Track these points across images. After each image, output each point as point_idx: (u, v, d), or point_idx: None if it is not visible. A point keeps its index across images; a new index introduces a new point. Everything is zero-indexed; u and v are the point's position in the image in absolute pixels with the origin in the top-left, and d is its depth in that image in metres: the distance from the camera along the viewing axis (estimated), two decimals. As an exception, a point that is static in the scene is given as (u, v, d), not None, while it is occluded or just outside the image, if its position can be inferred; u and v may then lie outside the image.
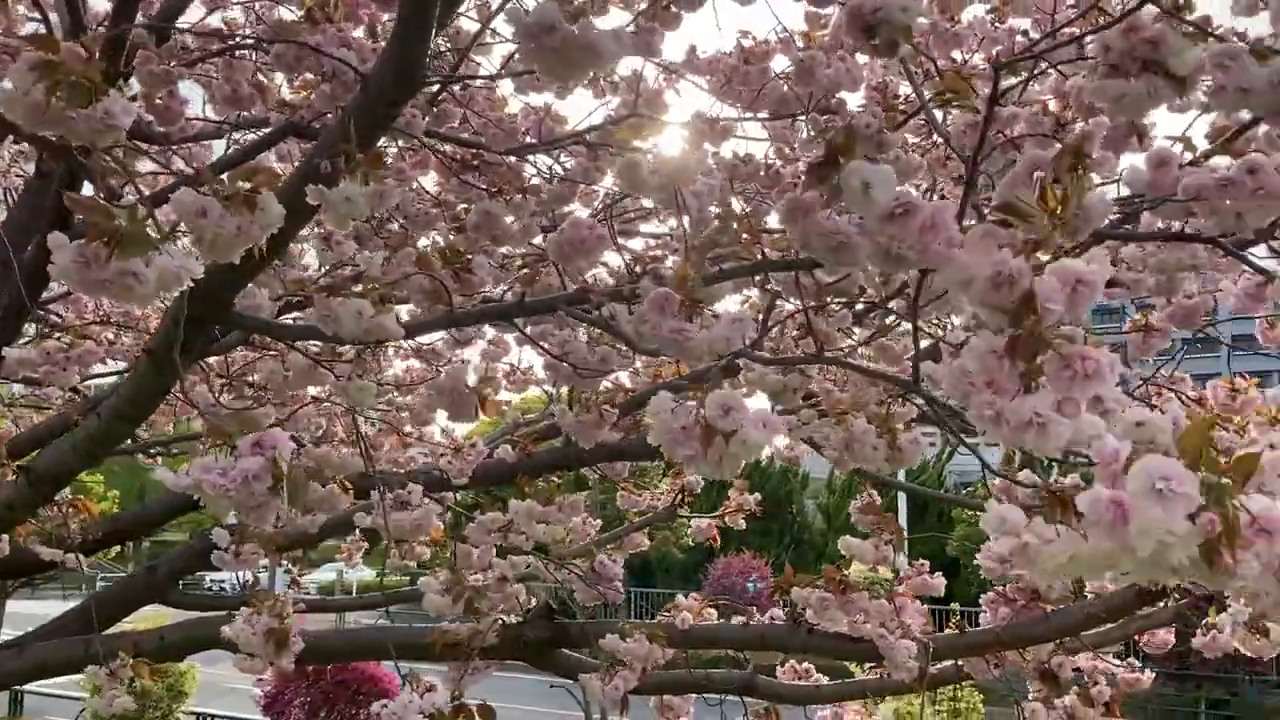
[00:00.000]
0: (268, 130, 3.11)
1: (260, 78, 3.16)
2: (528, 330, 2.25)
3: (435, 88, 2.91)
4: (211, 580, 27.66)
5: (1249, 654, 2.83)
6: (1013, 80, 2.22)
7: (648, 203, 3.72)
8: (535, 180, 3.33)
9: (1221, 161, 1.62)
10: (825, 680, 3.32)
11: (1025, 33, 2.82)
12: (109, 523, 3.58)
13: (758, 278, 2.05)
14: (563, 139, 3.39)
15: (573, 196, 3.20)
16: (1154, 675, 3.45)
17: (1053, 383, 0.88)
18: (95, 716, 9.98)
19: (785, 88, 3.12)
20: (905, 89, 3.05)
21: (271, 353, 2.61)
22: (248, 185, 1.47)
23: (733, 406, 1.09)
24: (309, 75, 2.72)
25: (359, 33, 2.93)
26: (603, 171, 3.36)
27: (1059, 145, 2.05)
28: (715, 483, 5.45)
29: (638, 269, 1.91)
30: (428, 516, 2.38)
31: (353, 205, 1.50)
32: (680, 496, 4.90)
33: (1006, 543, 0.89)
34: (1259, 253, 2.23)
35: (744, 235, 1.94)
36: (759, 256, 1.74)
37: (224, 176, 1.42)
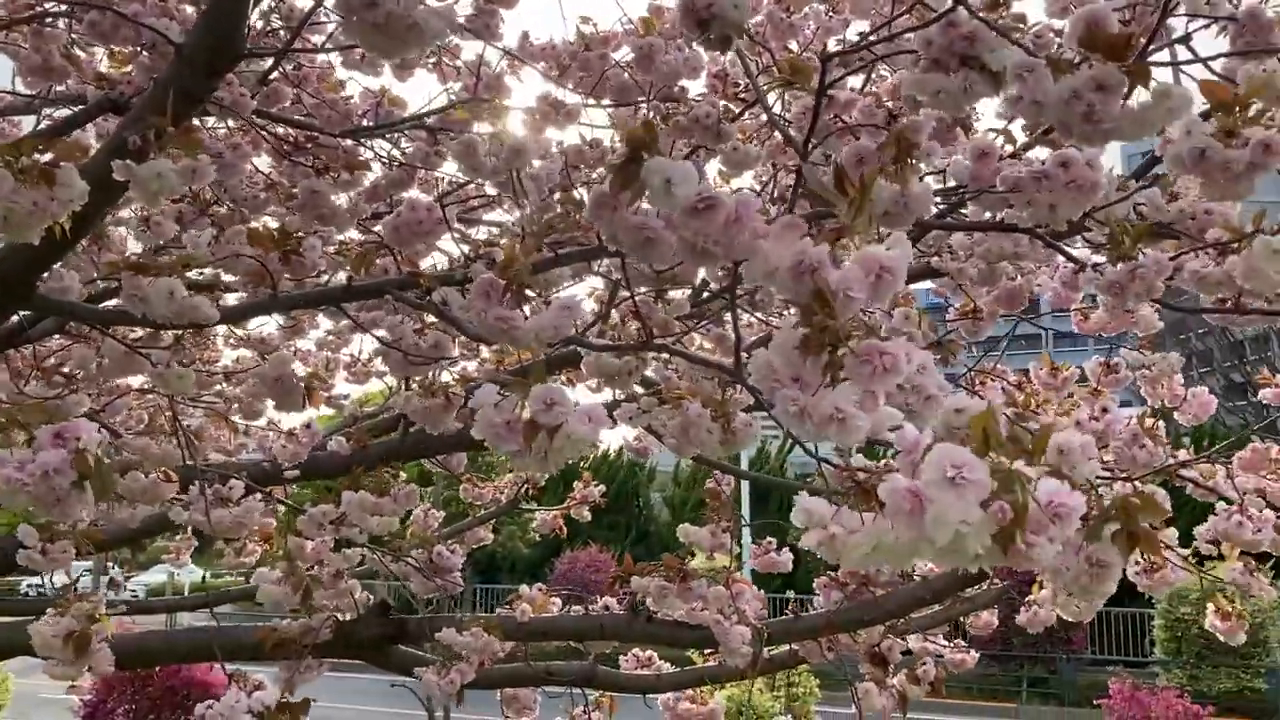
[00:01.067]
0: (83, 106, 2.94)
1: (76, 50, 2.98)
2: (359, 317, 2.18)
3: (266, 65, 2.80)
4: (29, 585, 26.33)
5: (1070, 619, 3.00)
6: (842, 71, 2.27)
7: (491, 189, 3.68)
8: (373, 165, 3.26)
9: (1041, 154, 1.70)
10: (668, 668, 3.34)
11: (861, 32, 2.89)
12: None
13: (601, 264, 2.04)
14: (400, 122, 3.31)
15: (411, 182, 3.13)
16: (978, 655, 3.61)
17: (853, 377, 0.88)
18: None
19: (626, 75, 3.14)
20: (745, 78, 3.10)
21: (84, 341, 2.45)
22: (45, 159, 1.38)
23: (556, 401, 1.07)
24: (128, 48, 2.57)
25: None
26: (443, 157, 3.29)
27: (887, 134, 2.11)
28: (561, 475, 5.43)
29: (473, 254, 1.88)
30: (250, 513, 2.28)
31: (163, 182, 1.41)
32: (524, 490, 4.87)
33: (815, 534, 0.90)
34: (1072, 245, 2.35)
35: (582, 221, 1.93)
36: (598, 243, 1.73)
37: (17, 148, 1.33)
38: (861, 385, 0.88)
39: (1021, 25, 1.41)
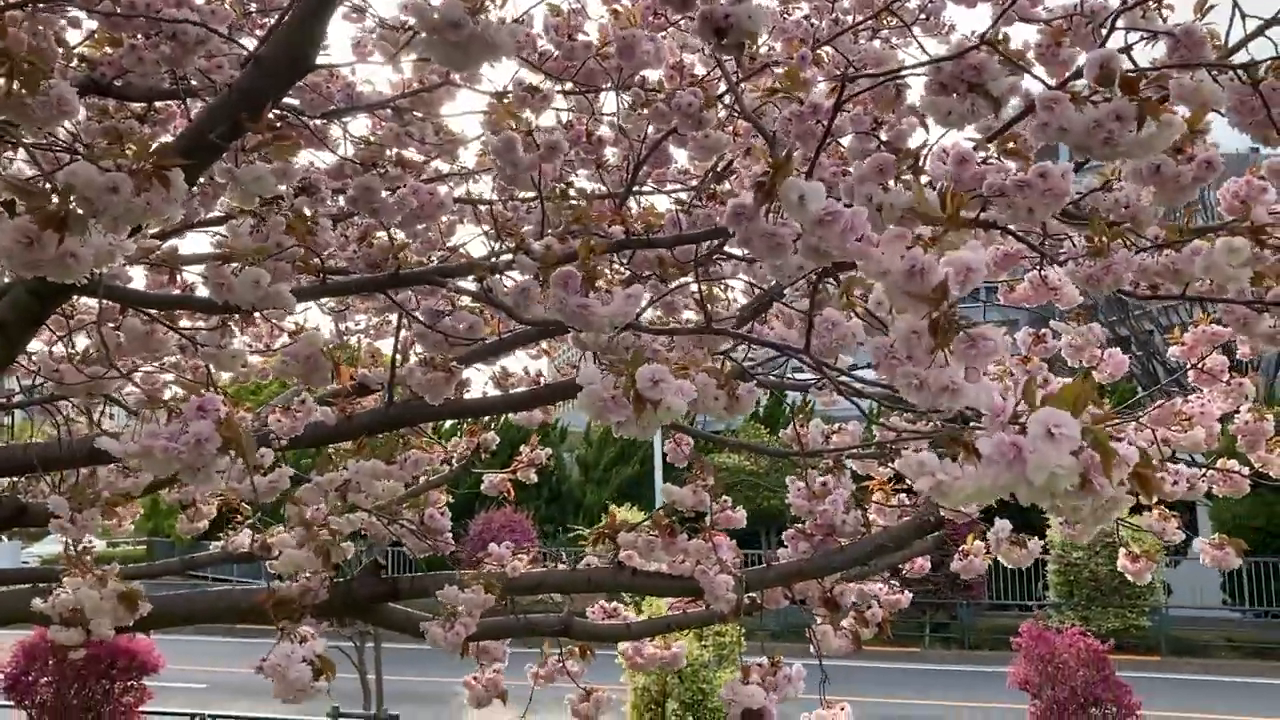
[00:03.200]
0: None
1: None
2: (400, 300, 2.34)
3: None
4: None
5: (1009, 565, 3.34)
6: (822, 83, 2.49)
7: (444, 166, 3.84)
8: (345, 144, 3.39)
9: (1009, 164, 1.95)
10: (634, 617, 3.59)
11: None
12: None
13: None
14: (373, 105, 3.44)
15: (379, 162, 3.26)
16: (910, 596, 3.92)
17: (961, 356, 1.12)
18: None
19: (594, 63, 3.32)
20: (700, 69, 3.31)
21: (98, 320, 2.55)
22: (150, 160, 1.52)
23: (660, 378, 1.29)
24: (136, 36, 2.65)
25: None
26: (412, 137, 3.44)
27: (877, 140, 2.34)
28: (504, 438, 5.60)
29: (510, 244, 2.04)
30: (282, 478, 2.43)
31: (262, 183, 1.57)
32: (476, 452, 5.04)
33: (924, 480, 1.13)
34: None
35: (596, 213, 2.12)
36: (623, 234, 1.92)
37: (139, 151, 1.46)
38: (967, 363, 1.12)
39: (1019, 63, 1.64)
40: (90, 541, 4.19)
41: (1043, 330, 3.39)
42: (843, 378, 1.84)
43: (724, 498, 3.56)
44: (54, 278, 1.35)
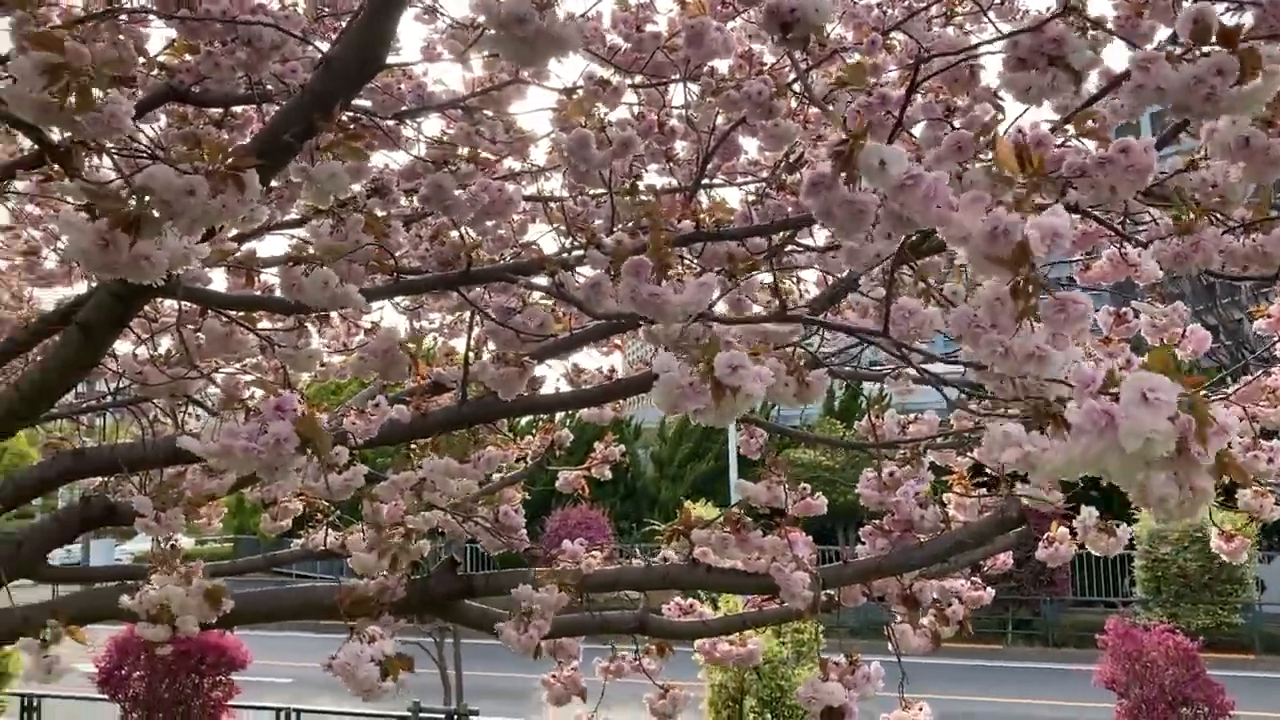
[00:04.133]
0: (146, 94, 3.07)
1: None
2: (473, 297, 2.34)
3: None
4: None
5: (1097, 553, 3.25)
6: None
7: (515, 164, 3.85)
8: (417, 144, 3.42)
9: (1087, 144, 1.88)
10: (710, 614, 3.56)
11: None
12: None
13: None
14: (445, 104, 3.47)
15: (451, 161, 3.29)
16: (993, 593, 3.83)
17: (1048, 321, 1.09)
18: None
19: (662, 54, 3.30)
20: (769, 58, 3.27)
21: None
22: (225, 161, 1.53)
23: (739, 365, 1.26)
24: (214, 42, 2.70)
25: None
26: (483, 136, 3.46)
27: (951, 125, 2.29)
28: (580, 436, 5.59)
29: (586, 241, 2.03)
30: (357, 476, 2.46)
31: (337, 180, 1.57)
32: (551, 449, 5.05)
33: (1012, 453, 1.09)
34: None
35: (666, 207, 2.10)
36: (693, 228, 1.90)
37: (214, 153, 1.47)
38: (1054, 329, 1.08)
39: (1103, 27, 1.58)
40: (177, 540, 4.29)
41: (1123, 309, 3.29)
42: (921, 362, 1.79)
43: (803, 485, 3.52)
44: (130, 279, 1.37)
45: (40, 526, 3.94)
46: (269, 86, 2.89)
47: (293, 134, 1.67)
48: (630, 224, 2.23)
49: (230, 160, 1.52)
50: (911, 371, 1.72)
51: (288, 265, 1.75)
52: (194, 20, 2.50)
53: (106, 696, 9.46)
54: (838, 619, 3.75)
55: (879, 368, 3.58)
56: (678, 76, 3.42)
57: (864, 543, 3.03)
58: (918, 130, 2.54)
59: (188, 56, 2.98)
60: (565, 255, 2.10)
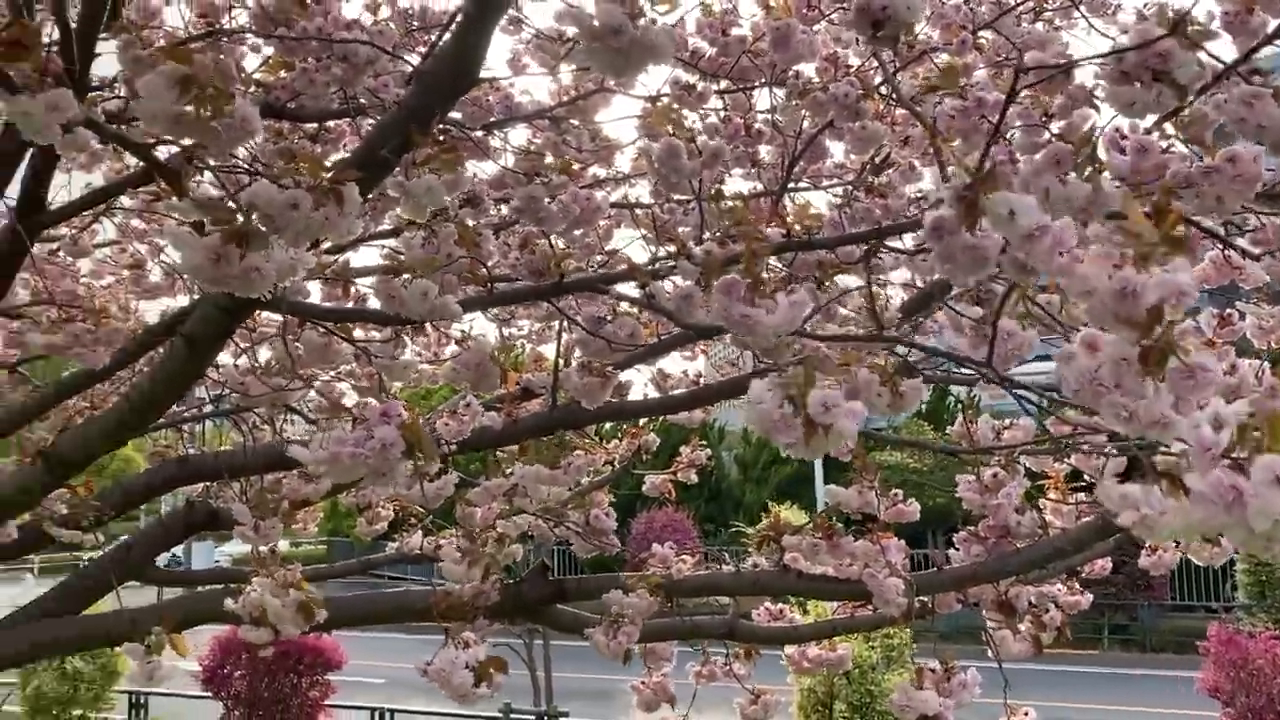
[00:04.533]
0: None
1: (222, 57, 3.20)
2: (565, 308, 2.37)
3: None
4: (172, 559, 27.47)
5: (1200, 563, 3.15)
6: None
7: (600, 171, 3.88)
8: (504, 154, 3.46)
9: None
10: (800, 619, 3.54)
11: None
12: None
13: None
14: (532, 114, 3.50)
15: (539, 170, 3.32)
16: (1091, 598, 3.74)
17: (1174, 387, 1.06)
18: (25, 698, 9.78)
19: (746, 59, 3.30)
20: (854, 60, 3.25)
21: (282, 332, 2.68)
22: (326, 177, 1.57)
23: (832, 404, 1.26)
24: (307, 60, 2.77)
25: (351, 10, 3.00)
26: (569, 145, 3.48)
27: (1048, 132, 2.25)
28: (665, 438, 5.62)
29: (669, 248, 2.04)
30: (448, 483, 2.50)
31: (433, 194, 1.61)
32: (638, 453, 5.07)
33: (1129, 515, 1.07)
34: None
35: (751, 215, 2.10)
36: (782, 235, 1.89)
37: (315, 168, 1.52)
38: (1181, 394, 1.06)
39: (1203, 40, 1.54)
40: (274, 544, 4.40)
41: (1228, 311, 3.19)
42: (1019, 380, 1.76)
43: (895, 491, 3.47)
44: (239, 292, 1.42)
45: (147, 531, 4.08)
46: (362, 101, 2.96)
47: (390, 149, 1.70)
48: (719, 232, 2.23)
49: (331, 176, 1.56)
50: (989, 373, 1.69)
51: (387, 278, 1.79)
52: (292, 39, 2.57)
53: (210, 694, 9.75)
54: (930, 623, 3.70)
55: (970, 373, 3.52)
56: (762, 80, 3.41)
57: (958, 548, 2.98)
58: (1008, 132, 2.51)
59: (282, 74, 3.07)
60: (655, 265, 2.12)
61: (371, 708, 10.37)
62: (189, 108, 1.36)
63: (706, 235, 2.39)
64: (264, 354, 3.86)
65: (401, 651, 15.86)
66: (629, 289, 2.13)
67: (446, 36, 3.05)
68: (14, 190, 3.51)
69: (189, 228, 1.62)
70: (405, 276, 1.77)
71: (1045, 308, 1.87)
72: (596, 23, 1.54)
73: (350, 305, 2.45)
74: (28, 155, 3.42)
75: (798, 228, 2.13)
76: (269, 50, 3.18)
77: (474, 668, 2.29)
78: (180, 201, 1.67)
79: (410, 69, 3.04)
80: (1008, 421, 3.37)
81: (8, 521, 2.90)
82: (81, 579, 3.92)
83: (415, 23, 3.40)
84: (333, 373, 3.19)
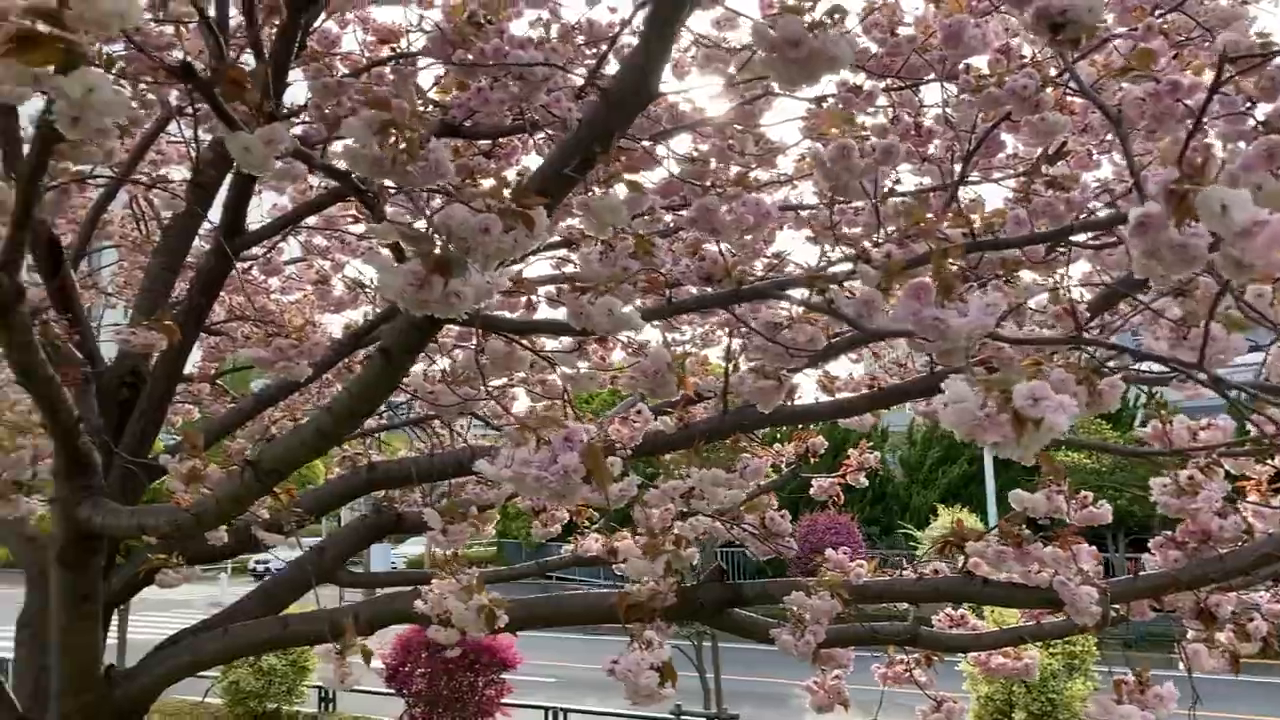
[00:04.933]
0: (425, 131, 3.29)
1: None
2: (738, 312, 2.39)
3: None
4: (256, 561, 28.78)
5: None
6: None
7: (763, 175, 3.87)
8: (668, 161, 3.49)
9: None
10: (984, 627, 3.45)
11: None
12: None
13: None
14: (700, 122, 3.53)
15: (706, 177, 3.34)
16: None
17: None
18: (225, 690, 10.37)
19: (915, 55, 3.25)
20: (1026, 50, 3.15)
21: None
22: (515, 200, 1.62)
23: (1041, 396, 1.22)
24: (482, 79, 2.87)
25: (517, 28, 3.08)
26: (734, 150, 3.50)
27: (1253, 120, 2.14)
28: (831, 441, 5.56)
29: (841, 250, 2.02)
30: (631, 486, 2.54)
31: (617, 213, 1.64)
32: (805, 456, 5.03)
33: None
34: None
35: (929, 214, 2.06)
36: (963, 234, 1.85)
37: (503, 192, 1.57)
38: None
39: None
40: (457, 548, 4.55)
41: None
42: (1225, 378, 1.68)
43: (1083, 493, 3.35)
44: (440, 314, 1.48)
45: (338, 534, 4.29)
46: (535, 117, 3.05)
47: (573, 167, 1.75)
48: (894, 231, 2.20)
49: (518, 197, 1.61)
50: (1202, 375, 1.61)
51: (574, 295, 1.84)
52: (470, 64, 2.67)
53: (393, 691, 10.16)
54: (1116, 631, 3.56)
55: (1163, 372, 3.36)
56: (932, 76, 3.35)
57: (1153, 554, 2.85)
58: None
59: (457, 93, 3.18)
60: (829, 269, 2.10)
61: (546, 707, 10.61)
62: (388, 152, 1.44)
63: (881, 234, 2.37)
64: (440, 363, 4.02)
65: (573, 652, 16.18)
66: (798, 294, 2.12)
67: (620, 50, 3.12)
68: (214, 215, 3.76)
69: (388, 251, 1.70)
70: (589, 295, 1.81)
71: (1252, 305, 1.78)
72: (775, 34, 1.55)
73: (543, 318, 2.52)
74: (226, 183, 3.66)
75: (980, 226, 2.08)
76: (438, 68, 3.32)
77: (659, 668, 2.32)
78: (381, 226, 1.75)
79: (580, 83, 3.12)
80: (1205, 421, 3.20)
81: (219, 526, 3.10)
82: (280, 581, 4.17)
83: (582, 37, 3.48)
84: (514, 381, 3.29)
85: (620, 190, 1.72)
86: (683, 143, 4.15)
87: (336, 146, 3.13)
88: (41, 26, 1.22)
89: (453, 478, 3.77)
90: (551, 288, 3.31)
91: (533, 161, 3.87)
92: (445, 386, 2.62)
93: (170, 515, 2.80)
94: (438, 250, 1.44)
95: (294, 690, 11.69)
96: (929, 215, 2.18)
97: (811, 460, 5.14)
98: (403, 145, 1.45)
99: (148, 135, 3.83)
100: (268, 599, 3.99)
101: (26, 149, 2.69)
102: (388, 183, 1.73)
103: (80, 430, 2.98)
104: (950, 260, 1.58)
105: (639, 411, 3.21)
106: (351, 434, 4.23)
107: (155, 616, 17.61)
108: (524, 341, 2.23)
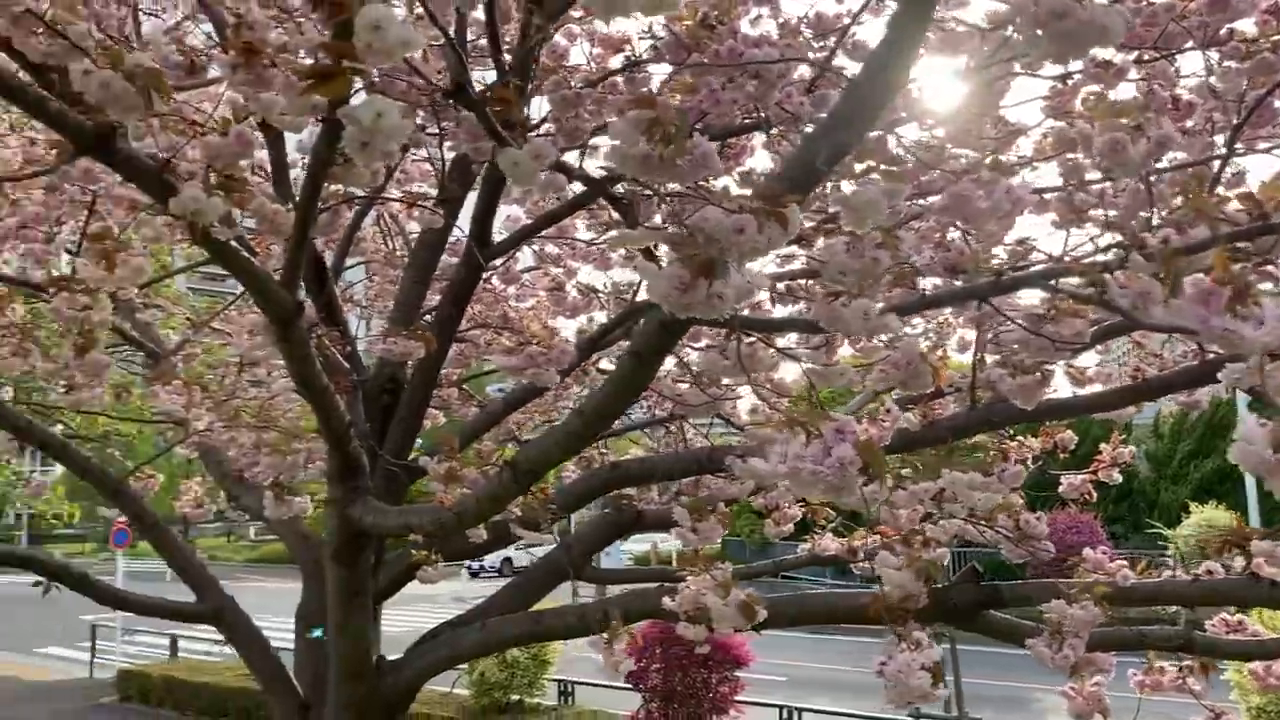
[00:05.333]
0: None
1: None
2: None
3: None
4: (471, 560, 29.99)
5: None
6: None
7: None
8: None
9: None
10: (1266, 634, 3.19)
11: None
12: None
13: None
14: (935, 110, 3.43)
15: (941, 164, 3.23)
16: None
17: None
18: (471, 682, 10.82)
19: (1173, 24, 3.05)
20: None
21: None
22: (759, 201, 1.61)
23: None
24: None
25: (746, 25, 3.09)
26: (970, 134, 3.37)
27: None
28: (1081, 434, 5.29)
29: (1129, 243, 1.91)
30: (883, 487, 2.49)
31: (875, 207, 1.62)
32: (1054, 452, 4.81)
33: None
34: None
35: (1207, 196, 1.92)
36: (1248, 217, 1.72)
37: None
38: None
39: None
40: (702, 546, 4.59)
41: None
42: None
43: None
44: (703, 316, 1.50)
45: (584, 531, 4.42)
46: (768, 114, 3.04)
47: (823, 161, 1.73)
48: (1171, 215, 2.07)
49: (767, 195, 1.61)
50: None
51: (827, 300, 1.82)
52: (707, 64, 2.69)
53: (630, 686, 10.38)
54: None
55: None
56: (1190, 44, 3.13)
57: None
58: None
59: (687, 95, 3.21)
60: (1100, 258, 1.99)
61: (780, 705, 10.58)
62: (656, 150, 1.46)
63: (1149, 217, 2.23)
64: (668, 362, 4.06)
65: (803, 651, 16.06)
66: (1053, 285, 2.02)
67: (849, 41, 3.07)
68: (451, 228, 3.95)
69: (644, 256, 1.74)
70: (843, 299, 1.79)
71: None
72: (1042, 10, 1.48)
73: (792, 316, 2.51)
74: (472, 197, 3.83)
75: (1270, 205, 1.92)
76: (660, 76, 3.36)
77: (929, 669, 2.26)
78: (635, 232, 1.79)
79: (809, 79, 3.08)
80: None
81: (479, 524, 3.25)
82: (530, 578, 4.33)
83: (809, 31, 3.44)
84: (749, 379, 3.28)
85: (875, 184, 1.68)
86: (910, 129, 4.04)
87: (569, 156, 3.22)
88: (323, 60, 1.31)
89: (690, 476, 3.81)
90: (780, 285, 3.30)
91: (759, 161, 3.84)
92: (694, 388, 2.65)
93: (434, 514, 2.96)
94: (702, 253, 1.46)
95: (535, 683, 12.12)
96: (1211, 198, 2.04)
97: (1060, 456, 4.91)
98: (669, 142, 1.47)
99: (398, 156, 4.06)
100: (518, 594, 4.16)
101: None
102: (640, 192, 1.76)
103: (351, 435, 3.19)
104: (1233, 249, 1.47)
105: (888, 410, 3.14)
106: (601, 435, 4.35)
107: (404, 611, 18.70)
108: (766, 340, 2.22)
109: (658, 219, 2.69)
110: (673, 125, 1.47)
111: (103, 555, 26.85)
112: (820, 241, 2.24)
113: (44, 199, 3.80)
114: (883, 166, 1.68)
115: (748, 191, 1.62)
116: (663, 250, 1.66)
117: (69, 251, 4.18)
